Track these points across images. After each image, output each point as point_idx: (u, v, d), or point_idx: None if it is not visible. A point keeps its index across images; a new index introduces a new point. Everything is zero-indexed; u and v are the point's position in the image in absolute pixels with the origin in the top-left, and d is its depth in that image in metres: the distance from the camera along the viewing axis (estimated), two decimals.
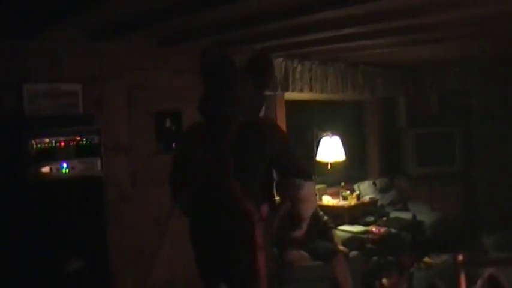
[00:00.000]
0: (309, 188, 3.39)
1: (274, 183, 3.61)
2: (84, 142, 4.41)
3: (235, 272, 3.28)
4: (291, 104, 7.30)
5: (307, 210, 5.23)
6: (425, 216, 7.79)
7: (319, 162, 7.24)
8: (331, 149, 7.16)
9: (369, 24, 4.84)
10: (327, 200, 7.39)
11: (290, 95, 7.15)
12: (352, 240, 6.51)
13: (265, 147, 3.22)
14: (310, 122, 7.56)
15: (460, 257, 5.39)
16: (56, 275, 4.22)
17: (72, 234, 4.31)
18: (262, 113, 3.43)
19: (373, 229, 6.97)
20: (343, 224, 6.99)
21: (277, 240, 5.73)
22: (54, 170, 4.24)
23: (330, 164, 7.23)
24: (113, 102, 5.17)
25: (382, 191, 8.36)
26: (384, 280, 6.14)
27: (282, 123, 7.05)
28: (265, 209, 3.26)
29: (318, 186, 7.27)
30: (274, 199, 3.51)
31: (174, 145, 5.58)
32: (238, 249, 3.24)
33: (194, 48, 5.56)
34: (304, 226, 5.61)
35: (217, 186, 3.24)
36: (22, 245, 4.18)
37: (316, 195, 3.54)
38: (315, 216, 6.08)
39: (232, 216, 3.23)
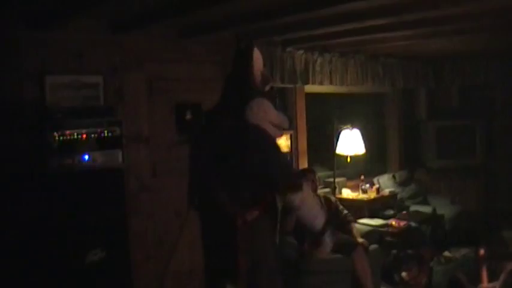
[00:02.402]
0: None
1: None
2: (106, 134, 4.43)
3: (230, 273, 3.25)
4: (311, 97, 7.29)
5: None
6: (445, 209, 7.76)
7: (339, 155, 7.21)
8: (351, 142, 7.13)
9: (390, 17, 4.81)
10: (347, 193, 7.37)
11: (310, 88, 7.14)
12: (372, 234, 6.49)
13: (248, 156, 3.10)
14: (330, 114, 7.53)
15: (482, 251, 5.38)
16: (77, 265, 4.25)
17: (93, 225, 4.33)
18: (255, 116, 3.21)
19: (393, 222, 6.94)
20: (362, 217, 6.97)
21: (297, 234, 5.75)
22: (75, 162, 4.26)
23: (350, 157, 7.21)
24: (133, 93, 5.19)
25: (402, 184, 8.33)
26: (404, 274, 6.13)
27: (302, 116, 7.05)
28: (252, 213, 3.13)
29: (337, 179, 7.27)
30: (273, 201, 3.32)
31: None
32: (226, 252, 3.22)
33: (215, 40, 5.57)
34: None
35: (207, 190, 3.26)
36: (44, 235, 4.21)
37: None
38: (335, 210, 6.08)
39: (220, 221, 3.21)
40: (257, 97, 3.21)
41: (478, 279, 5.41)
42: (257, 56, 3.31)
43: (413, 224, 6.99)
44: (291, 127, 3.32)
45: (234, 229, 3.11)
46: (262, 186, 3.14)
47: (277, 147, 3.28)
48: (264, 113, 3.17)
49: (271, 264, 3.27)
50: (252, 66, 3.25)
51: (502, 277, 5.26)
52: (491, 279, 5.33)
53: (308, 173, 6.17)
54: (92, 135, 4.37)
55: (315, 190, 6.08)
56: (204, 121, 3.45)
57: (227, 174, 3.14)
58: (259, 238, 3.20)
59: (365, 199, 7.27)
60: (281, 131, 3.40)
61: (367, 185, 7.50)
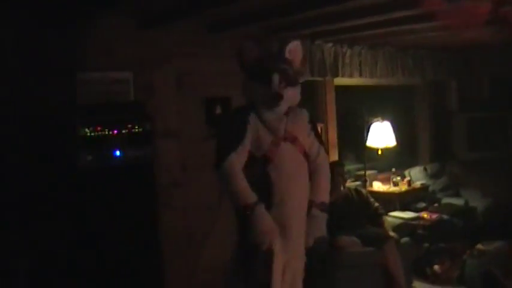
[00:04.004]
0: None
1: None
2: (136, 129, 4.46)
3: None
4: (341, 90, 7.26)
5: None
6: (478, 202, 7.67)
7: (370, 148, 7.18)
8: (381, 135, 7.09)
9: (419, 7, 4.76)
10: (378, 186, 7.34)
11: (340, 80, 7.11)
12: (403, 227, 6.47)
13: None
14: (360, 107, 7.49)
15: None
16: (109, 259, 4.29)
17: (125, 220, 4.37)
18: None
19: (425, 215, 6.90)
20: (394, 210, 6.94)
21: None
22: (107, 158, 4.30)
23: (381, 149, 7.17)
24: (163, 88, 5.22)
25: (433, 176, 8.26)
26: (436, 267, 6.09)
27: (331, 109, 7.04)
28: None
29: (368, 172, 7.23)
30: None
31: None
32: None
33: (243, 34, 5.57)
34: None
35: None
36: (76, 230, 4.26)
37: None
38: (366, 202, 6.06)
39: None
40: None
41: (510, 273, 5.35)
42: None
43: (445, 216, 6.94)
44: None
45: None
46: None
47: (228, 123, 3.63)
48: None
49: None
50: None
51: None
52: None
53: (336, 166, 6.15)
54: (123, 131, 4.40)
55: (343, 183, 6.07)
56: None
57: None
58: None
59: (396, 192, 7.24)
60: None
61: (398, 178, 7.45)
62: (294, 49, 3.58)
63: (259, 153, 3.41)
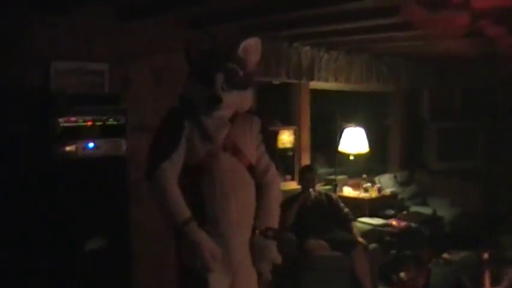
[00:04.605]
0: None
1: None
2: (111, 122, 4.40)
3: None
4: (316, 93, 7.27)
5: None
6: (445, 211, 7.75)
7: (342, 153, 7.20)
8: (354, 140, 7.11)
9: (398, 16, 4.78)
10: (348, 192, 7.35)
11: (315, 84, 7.12)
12: (372, 233, 6.49)
13: None
14: (334, 112, 7.52)
15: (485, 255, 5.35)
16: (77, 253, 4.23)
17: (95, 213, 4.31)
18: None
19: (393, 222, 6.94)
20: (363, 216, 6.96)
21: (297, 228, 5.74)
22: (80, 149, 4.23)
23: (352, 155, 7.19)
24: (139, 82, 5.16)
25: (403, 184, 8.32)
26: (402, 274, 6.12)
27: (305, 112, 7.04)
28: None
29: (339, 177, 7.25)
30: None
31: None
32: None
33: (221, 32, 5.55)
34: None
35: None
36: (45, 222, 4.19)
37: None
38: (336, 207, 6.07)
39: None
40: None
41: (478, 283, 5.39)
42: None
43: (413, 224, 6.99)
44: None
45: None
46: None
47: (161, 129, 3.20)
48: None
49: None
50: None
51: (505, 282, 5.23)
52: (492, 284, 5.32)
53: (307, 171, 6.17)
54: (97, 123, 4.34)
55: (313, 187, 6.08)
56: None
57: None
58: None
59: (366, 198, 7.25)
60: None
61: (369, 184, 7.48)
62: (251, 47, 3.16)
63: (192, 162, 3.05)
